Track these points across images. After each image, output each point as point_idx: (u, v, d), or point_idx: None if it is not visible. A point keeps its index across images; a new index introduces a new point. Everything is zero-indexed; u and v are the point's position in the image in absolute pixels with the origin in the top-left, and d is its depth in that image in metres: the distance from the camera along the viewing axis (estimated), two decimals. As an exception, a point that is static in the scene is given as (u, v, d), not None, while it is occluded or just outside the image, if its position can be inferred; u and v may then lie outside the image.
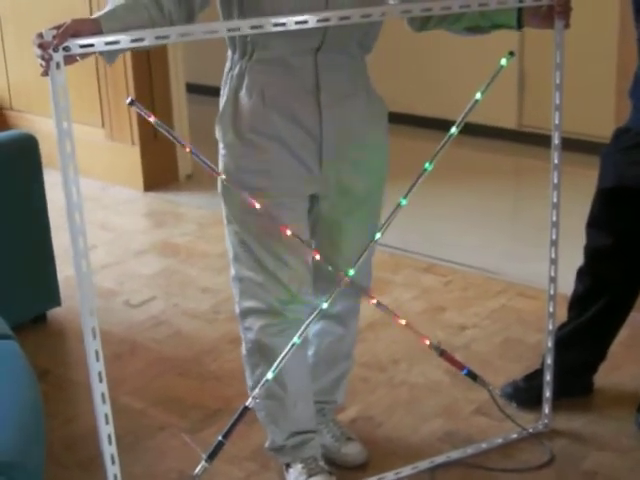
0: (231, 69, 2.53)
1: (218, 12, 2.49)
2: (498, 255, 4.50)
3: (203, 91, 7.06)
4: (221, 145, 2.57)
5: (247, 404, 2.63)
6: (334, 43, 2.44)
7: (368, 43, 2.55)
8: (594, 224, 3.05)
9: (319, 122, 2.50)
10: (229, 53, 2.54)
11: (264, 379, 2.63)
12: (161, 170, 5.61)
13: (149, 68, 5.41)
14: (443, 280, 4.25)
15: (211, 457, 2.63)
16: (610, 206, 2.99)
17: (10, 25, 5.88)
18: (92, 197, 5.39)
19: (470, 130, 5.40)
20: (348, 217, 2.67)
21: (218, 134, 2.57)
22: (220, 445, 2.63)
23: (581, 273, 3.13)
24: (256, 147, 2.50)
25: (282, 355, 2.60)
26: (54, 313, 3.97)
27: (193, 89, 6.41)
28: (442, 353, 2.77)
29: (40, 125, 5.49)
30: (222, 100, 2.55)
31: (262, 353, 2.69)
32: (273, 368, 2.61)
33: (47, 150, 3.73)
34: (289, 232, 2.51)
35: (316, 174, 2.56)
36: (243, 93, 2.49)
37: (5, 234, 3.65)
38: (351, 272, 2.62)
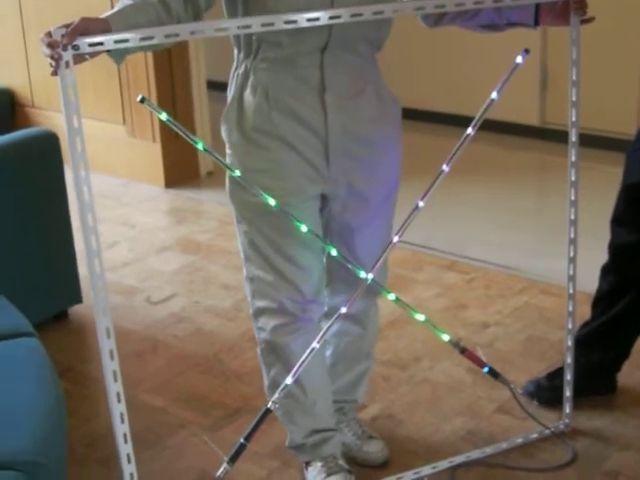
0: (236, 68, 2.52)
1: (223, 12, 2.48)
2: (521, 252, 4.47)
3: (225, 88, 7.07)
4: (227, 145, 2.57)
5: (269, 406, 2.62)
6: (341, 42, 2.41)
7: (378, 41, 2.53)
8: (619, 220, 3.02)
9: (324, 121, 2.48)
10: (235, 52, 2.53)
11: (283, 384, 2.61)
12: (182, 167, 5.61)
13: (170, 65, 5.41)
14: (465, 278, 4.23)
15: (233, 459, 2.62)
16: (635, 202, 2.96)
17: (32, 23, 5.91)
18: (113, 194, 5.39)
19: (493, 127, 5.42)
20: (360, 217, 2.65)
21: (224, 134, 2.57)
22: (242, 447, 2.62)
23: (605, 270, 3.10)
24: (261, 146, 2.49)
25: (300, 361, 2.59)
26: (75, 310, 3.98)
27: (215, 86, 6.40)
28: (463, 350, 2.75)
29: (61, 122, 5.49)
30: (228, 100, 2.55)
31: (276, 353, 2.69)
32: (292, 373, 2.60)
33: (67, 147, 3.73)
34: (305, 228, 2.50)
35: (324, 173, 2.54)
36: (248, 92, 2.48)
37: (26, 231, 3.66)
38: (370, 276, 2.61)
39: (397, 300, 2.68)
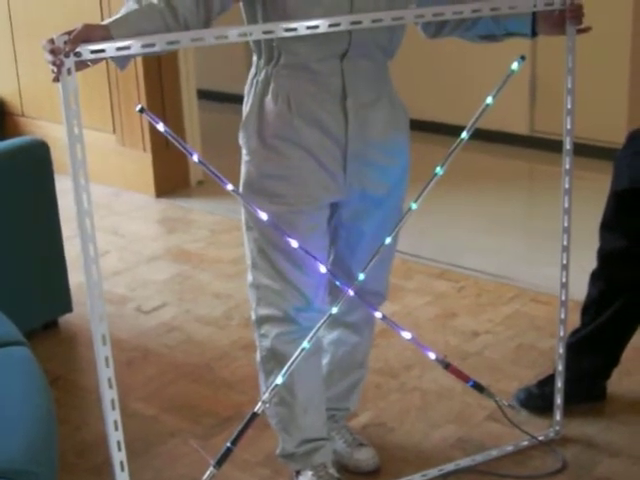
0: (256, 74, 2.52)
1: (242, 14, 2.49)
2: (511, 261, 4.48)
3: (214, 97, 7.08)
4: (244, 151, 2.57)
5: (256, 410, 2.62)
6: (359, 48, 2.44)
7: (392, 49, 2.55)
8: (607, 226, 3.03)
9: (345, 128, 2.50)
10: (254, 58, 2.53)
11: (273, 384, 2.62)
12: (173, 176, 5.60)
13: (160, 74, 5.41)
14: (456, 286, 4.24)
15: (219, 463, 2.62)
16: (623, 208, 2.98)
17: (22, 31, 5.90)
18: (104, 203, 5.40)
19: (482, 136, 5.41)
20: (368, 223, 2.67)
21: (242, 140, 2.56)
22: (228, 451, 2.62)
23: (594, 277, 3.11)
24: (280, 153, 2.50)
25: (291, 359, 2.60)
26: (65, 319, 3.97)
27: (204, 95, 6.41)
28: (447, 366, 2.76)
29: (51, 131, 5.50)
30: (246, 106, 2.54)
31: (277, 360, 2.69)
32: (283, 372, 2.61)
33: (57, 156, 3.74)
34: (296, 244, 2.50)
35: (339, 181, 2.55)
36: (269, 99, 2.48)
37: (17, 240, 3.65)
38: (361, 276, 2.61)
39: (384, 318, 2.69)
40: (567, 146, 2.78)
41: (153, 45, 2.20)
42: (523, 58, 2.61)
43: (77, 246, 2.30)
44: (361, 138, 2.52)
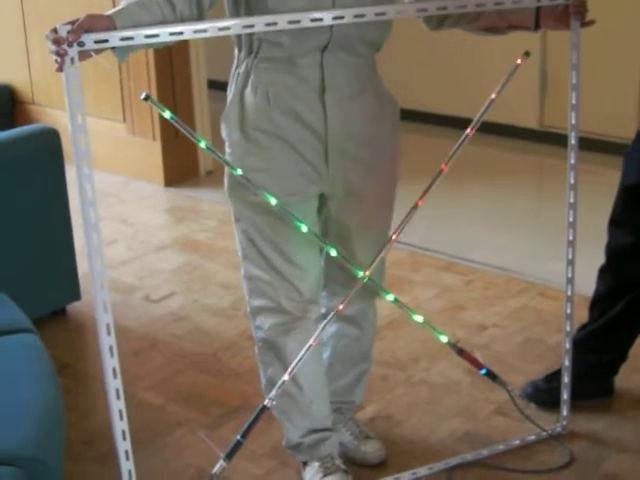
0: (237, 67, 2.53)
1: (225, 11, 2.49)
2: (519, 255, 4.48)
3: (225, 88, 7.08)
4: (227, 144, 2.57)
5: (266, 403, 2.62)
6: (341, 42, 2.43)
7: (378, 42, 2.53)
8: (616, 222, 3.02)
9: (324, 121, 2.49)
10: (235, 51, 2.54)
11: (280, 381, 2.62)
12: (182, 166, 5.61)
13: (171, 64, 5.41)
14: (464, 279, 4.23)
15: (229, 456, 2.62)
16: (632, 204, 2.96)
17: (33, 19, 5.91)
18: (113, 192, 5.39)
19: (492, 129, 5.42)
20: (357, 217, 2.66)
21: (224, 133, 2.57)
22: (238, 445, 2.62)
23: (602, 272, 3.11)
24: (261, 146, 2.50)
25: (297, 359, 2.59)
26: (74, 307, 3.98)
27: (215, 85, 6.40)
28: (461, 352, 2.76)
29: (61, 119, 5.48)
30: (228, 98, 2.55)
31: (273, 352, 2.70)
32: (289, 371, 2.61)
33: (68, 144, 3.73)
34: (305, 228, 2.50)
35: (322, 174, 2.55)
36: (248, 91, 2.49)
37: (26, 228, 3.66)
38: (366, 274, 2.61)
39: (396, 301, 2.69)
40: (572, 141, 2.78)
41: (156, 36, 2.22)
42: (527, 54, 2.61)
43: (86, 234, 2.30)
44: (341, 131, 2.51)
